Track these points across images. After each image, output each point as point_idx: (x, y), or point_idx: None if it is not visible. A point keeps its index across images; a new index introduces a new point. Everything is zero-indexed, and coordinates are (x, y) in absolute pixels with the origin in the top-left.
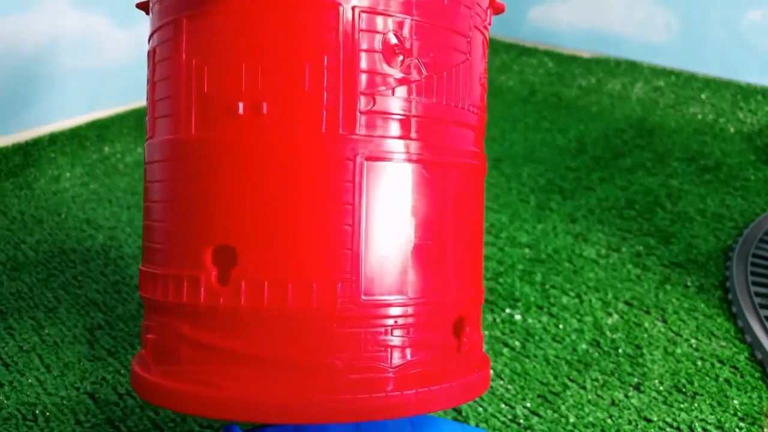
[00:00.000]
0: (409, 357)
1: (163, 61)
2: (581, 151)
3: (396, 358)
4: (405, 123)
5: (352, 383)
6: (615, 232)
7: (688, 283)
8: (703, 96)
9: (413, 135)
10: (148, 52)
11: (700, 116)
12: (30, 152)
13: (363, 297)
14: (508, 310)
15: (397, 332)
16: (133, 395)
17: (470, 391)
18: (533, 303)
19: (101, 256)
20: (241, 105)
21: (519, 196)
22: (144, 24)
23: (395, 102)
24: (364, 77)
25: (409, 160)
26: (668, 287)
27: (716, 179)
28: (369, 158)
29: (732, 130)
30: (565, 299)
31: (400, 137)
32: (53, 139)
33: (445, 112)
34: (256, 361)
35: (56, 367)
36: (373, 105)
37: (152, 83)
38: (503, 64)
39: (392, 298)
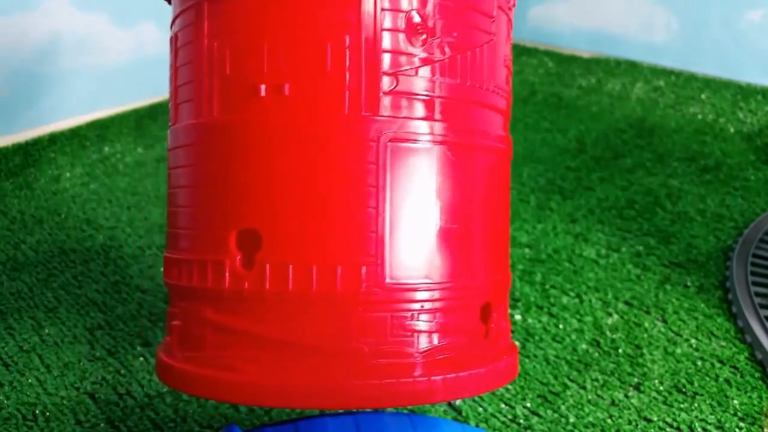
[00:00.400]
0: (436, 342)
1: (186, 45)
2: (581, 151)
3: (423, 344)
4: (429, 104)
5: (378, 368)
6: (615, 232)
7: (688, 283)
8: (703, 96)
9: (437, 116)
10: (171, 37)
11: (700, 116)
12: (30, 152)
13: (388, 280)
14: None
15: (423, 317)
16: (134, 395)
17: (498, 377)
18: (533, 303)
19: (101, 256)
20: (263, 87)
21: (519, 196)
22: (144, 24)
23: (419, 82)
24: (386, 57)
25: (434, 142)
26: (668, 287)
27: (716, 179)
28: (393, 140)
29: (732, 130)
30: (565, 299)
31: (424, 118)
32: (53, 139)
33: (469, 93)
34: (280, 346)
35: (56, 367)
36: (396, 85)
37: (174, 69)
38: None
39: (418, 282)
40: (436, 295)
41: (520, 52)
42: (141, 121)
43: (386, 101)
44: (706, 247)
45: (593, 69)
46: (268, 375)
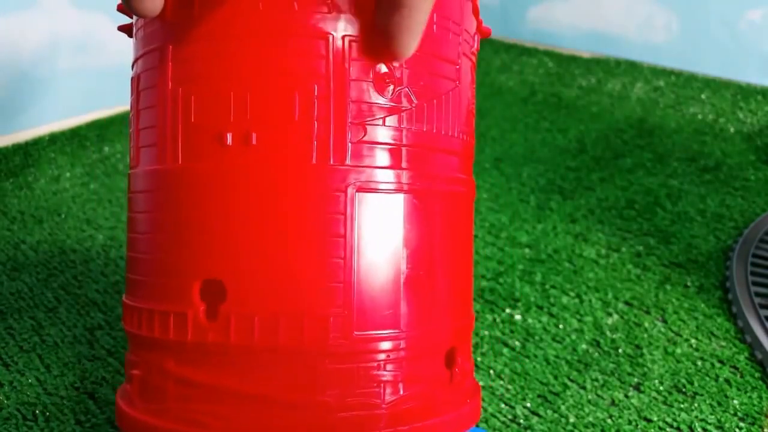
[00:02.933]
0: (401, 392)
1: (148, 89)
2: (581, 151)
3: (389, 394)
4: (396, 152)
5: (344, 421)
6: (615, 232)
7: (688, 283)
8: (703, 96)
9: (404, 164)
10: (132, 78)
11: (700, 116)
12: (30, 152)
13: (355, 332)
14: (508, 310)
15: (389, 366)
16: None
17: (463, 422)
18: (533, 303)
19: (101, 256)
20: (229, 135)
21: (519, 196)
22: None
23: (386, 131)
24: (354, 107)
25: (400, 190)
26: (668, 287)
27: (716, 179)
28: (360, 189)
29: (732, 130)
30: (565, 299)
31: (390, 167)
32: (53, 139)
33: (435, 140)
34: (245, 399)
35: (56, 367)
36: (364, 135)
37: (136, 111)
38: (503, 64)
39: (385, 332)
40: (402, 344)
41: (520, 52)
42: None
43: (354, 151)
44: (706, 247)
45: (593, 69)
46: (232, 429)
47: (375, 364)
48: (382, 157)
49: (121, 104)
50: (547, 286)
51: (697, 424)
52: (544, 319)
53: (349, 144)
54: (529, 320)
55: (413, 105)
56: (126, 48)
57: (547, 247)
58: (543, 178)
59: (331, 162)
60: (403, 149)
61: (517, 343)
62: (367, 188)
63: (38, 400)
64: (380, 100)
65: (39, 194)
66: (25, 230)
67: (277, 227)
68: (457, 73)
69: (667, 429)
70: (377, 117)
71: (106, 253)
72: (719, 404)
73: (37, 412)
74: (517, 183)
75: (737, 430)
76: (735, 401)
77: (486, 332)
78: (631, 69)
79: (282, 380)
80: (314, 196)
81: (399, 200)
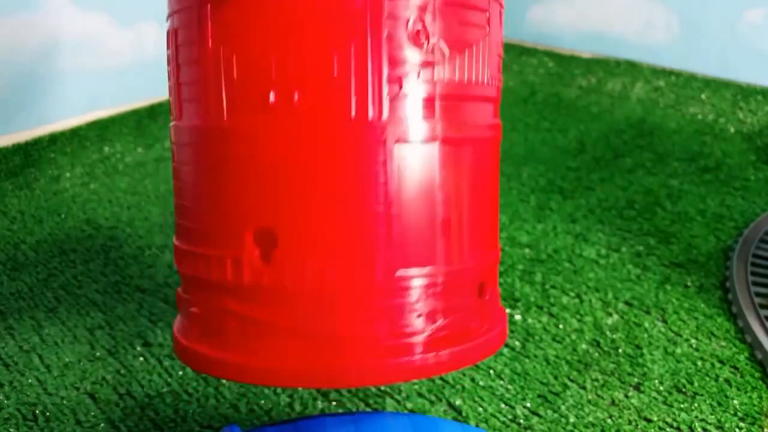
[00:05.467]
0: (440, 322)
1: (189, 44)
2: (581, 151)
3: (429, 324)
4: (430, 105)
5: (391, 349)
6: (615, 232)
7: (688, 283)
8: (703, 96)
9: (438, 115)
10: (169, 31)
11: (700, 116)
12: (30, 152)
13: (398, 271)
14: (508, 310)
15: (429, 300)
16: (134, 395)
17: (492, 345)
18: (533, 303)
19: (101, 256)
20: (272, 94)
21: (519, 196)
22: (144, 24)
23: (421, 85)
24: (390, 62)
25: (435, 140)
26: (668, 287)
27: (716, 179)
28: (398, 141)
29: (732, 130)
30: (565, 299)
31: (426, 118)
32: (53, 139)
33: (468, 89)
34: (300, 333)
35: (56, 367)
36: (400, 89)
37: (176, 65)
38: (503, 64)
39: (424, 270)
40: (440, 279)
41: (520, 52)
42: (141, 121)
43: (391, 105)
44: (706, 247)
45: (593, 69)
46: (289, 359)
47: (416, 298)
48: (417, 109)
49: (121, 104)
50: (547, 286)
51: (697, 424)
52: (544, 319)
53: (387, 98)
54: (529, 320)
55: (446, 57)
56: (126, 48)
57: (547, 247)
58: (543, 178)
59: (370, 116)
60: (438, 101)
61: (517, 343)
62: (404, 140)
63: (38, 400)
64: (415, 55)
65: (39, 194)
66: (25, 230)
67: (323, 179)
68: (487, 20)
69: (667, 429)
70: (412, 71)
71: (106, 253)
72: (719, 404)
73: (37, 412)
74: (517, 183)
75: (737, 430)
76: (735, 401)
77: None
78: (631, 69)
79: (333, 316)
80: (355, 148)
81: (435, 149)
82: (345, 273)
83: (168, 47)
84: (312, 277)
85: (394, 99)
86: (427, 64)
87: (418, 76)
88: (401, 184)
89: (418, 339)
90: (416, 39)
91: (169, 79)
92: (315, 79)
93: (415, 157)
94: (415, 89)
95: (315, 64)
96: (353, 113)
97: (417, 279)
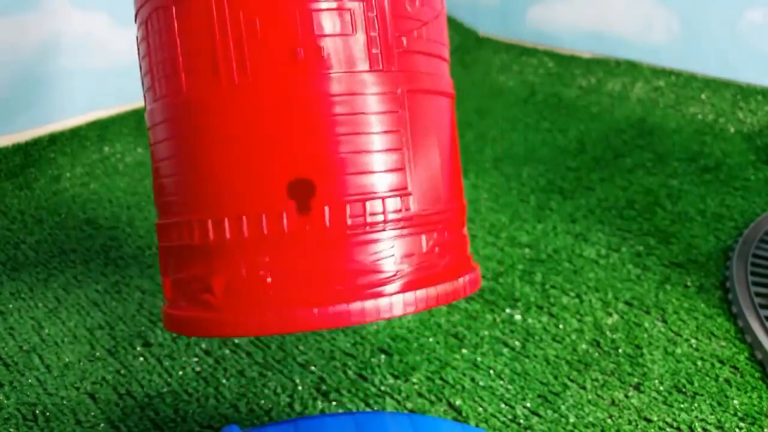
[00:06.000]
0: (448, 256)
1: (191, 15)
2: (581, 151)
3: (444, 256)
4: (427, 59)
5: (423, 278)
6: (615, 232)
7: (688, 283)
8: (703, 96)
9: (431, 69)
10: (158, 8)
11: (700, 116)
12: (30, 152)
13: (419, 208)
14: (508, 310)
15: (442, 235)
16: (134, 395)
17: (477, 282)
18: (533, 303)
19: (101, 256)
20: (301, 50)
21: (519, 196)
22: None
23: (418, 42)
24: (394, 21)
25: (432, 91)
26: (668, 287)
27: (716, 179)
28: (409, 91)
29: (732, 130)
30: (565, 299)
31: (424, 72)
32: (53, 139)
33: (439, 50)
34: (341, 273)
35: (56, 367)
36: (405, 45)
37: (172, 38)
38: (503, 64)
39: (436, 207)
40: (445, 216)
41: (520, 52)
42: (141, 121)
43: (401, 58)
44: (706, 247)
45: (593, 69)
46: (333, 297)
47: (434, 233)
48: (419, 63)
49: (121, 104)
50: (547, 286)
51: (697, 424)
52: (544, 319)
53: (397, 53)
54: (529, 320)
55: (430, 18)
56: (126, 48)
57: (547, 247)
58: (543, 178)
59: (386, 68)
60: (429, 57)
61: (517, 343)
62: (413, 90)
63: (38, 400)
64: (412, 14)
65: (39, 194)
66: (25, 230)
67: (351, 127)
68: None
69: (667, 429)
70: (411, 29)
71: (106, 253)
72: (719, 404)
73: (37, 412)
74: (517, 183)
75: (737, 430)
76: (735, 401)
77: (486, 332)
78: (631, 69)
79: (372, 252)
80: (376, 98)
81: (433, 99)
82: (379, 212)
83: (156, 23)
84: (352, 218)
85: (403, 53)
86: (422, 24)
87: (416, 33)
88: (414, 130)
89: (440, 270)
90: (412, 2)
91: (167, 56)
92: (339, 35)
93: (422, 106)
94: (416, 45)
95: (338, 23)
96: (372, 65)
97: (433, 216)
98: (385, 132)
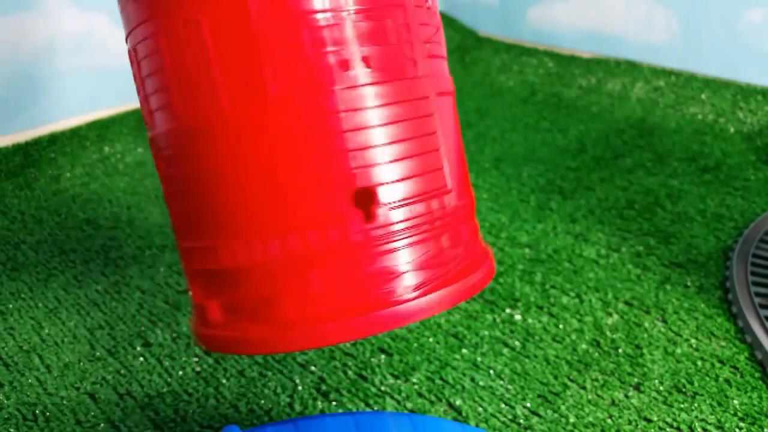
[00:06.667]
0: (474, 244)
1: (230, 27)
2: (581, 151)
3: (471, 244)
4: (440, 63)
5: (469, 266)
6: (615, 232)
7: (688, 283)
8: (703, 96)
9: (444, 72)
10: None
11: (700, 116)
12: (30, 152)
13: (456, 203)
14: (508, 310)
15: (470, 225)
16: (134, 395)
17: (491, 272)
18: (533, 303)
19: (101, 256)
20: (352, 62)
21: (519, 196)
22: None
23: (436, 47)
24: (417, 30)
25: (447, 92)
26: (668, 287)
27: (716, 179)
28: (438, 94)
29: (732, 130)
30: (565, 299)
31: (441, 75)
32: (53, 139)
33: (444, 52)
34: (396, 274)
35: (56, 367)
36: (428, 50)
37: (218, 56)
38: (503, 64)
39: (464, 200)
40: (470, 207)
41: (520, 52)
42: (141, 121)
43: (428, 64)
44: (706, 247)
45: (593, 69)
46: (395, 301)
47: (465, 224)
48: (440, 67)
49: (121, 104)
50: (547, 286)
51: (697, 424)
52: (544, 319)
53: (425, 59)
54: (529, 320)
55: (439, 23)
56: (126, 48)
57: (547, 247)
58: (543, 178)
59: (419, 74)
60: (444, 60)
61: (517, 343)
62: (439, 93)
63: (38, 400)
64: (429, 22)
65: (39, 194)
66: (25, 230)
67: (401, 133)
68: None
69: (667, 429)
70: (431, 35)
71: (106, 253)
72: (719, 404)
73: (37, 412)
74: (517, 183)
75: (737, 430)
76: (735, 401)
77: (486, 332)
78: (631, 69)
79: (431, 245)
80: (419, 101)
81: (450, 101)
82: (428, 209)
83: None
84: (411, 217)
85: (427, 59)
86: (437, 29)
87: (432, 39)
88: (443, 130)
89: (479, 259)
90: (427, 8)
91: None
92: (381, 44)
93: (445, 107)
94: (436, 50)
95: (379, 33)
96: (410, 72)
97: (465, 206)
98: (428, 134)
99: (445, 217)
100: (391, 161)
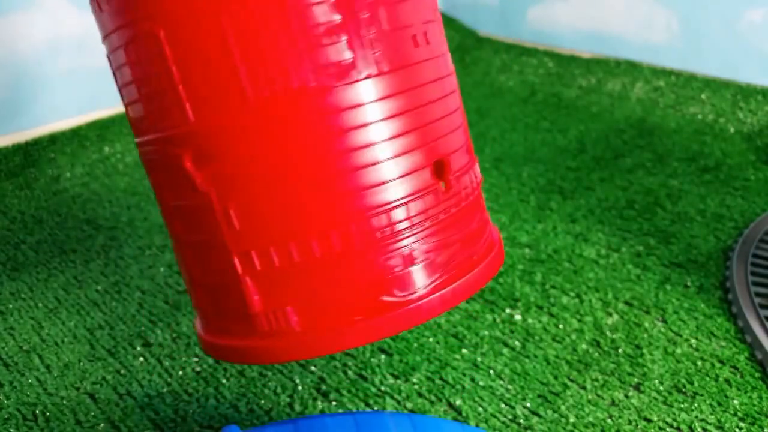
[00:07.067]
0: (487, 229)
1: (259, 17)
2: (581, 151)
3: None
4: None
5: (494, 240)
6: (615, 232)
7: (688, 283)
8: (703, 96)
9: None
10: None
11: (700, 116)
12: (30, 152)
13: (479, 177)
14: (508, 310)
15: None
16: (134, 395)
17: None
18: (533, 303)
19: (101, 256)
20: (420, 35)
21: (519, 196)
22: None
23: (440, 26)
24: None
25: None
26: (668, 287)
27: (716, 179)
28: (451, 74)
29: (732, 130)
30: (565, 299)
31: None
32: (53, 139)
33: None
34: (463, 237)
35: (56, 367)
36: (431, 26)
37: (254, 37)
38: (503, 64)
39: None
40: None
41: (520, 52)
42: None
43: (443, 43)
44: (706, 247)
45: (593, 69)
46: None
47: (482, 207)
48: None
49: (122, 104)
50: (547, 286)
51: (697, 424)
52: (544, 319)
53: (441, 38)
54: (529, 320)
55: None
56: None
57: (547, 247)
58: (543, 178)
59: (443, 53)
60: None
61: (517, 343)
62: (450, 73)
63: (38, 400)
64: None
65: (39, 194)
66: (25, 230)
67: (450, 104)
68: None
69: (667, 429)
70: (435, 17)
71: (106, 253)
72: (719, 404)
73: (37, 412)
74: (517, 183)
75: (737, 430)
76: (735, 401)
77: (486, 332)
78: (631, 69)
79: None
80: (450, 78)
81: (455, 78)
82: (476, 177)
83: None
84: (468, 186)
85: (438, 39)
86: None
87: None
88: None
89: (490, 234)
90: None
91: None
92: (433, 30)
93: (455, 85)
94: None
95: (406, 41)
96: (444, 70)
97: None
98: (458, 109)
99: (478, 186)
100: (453, 134)
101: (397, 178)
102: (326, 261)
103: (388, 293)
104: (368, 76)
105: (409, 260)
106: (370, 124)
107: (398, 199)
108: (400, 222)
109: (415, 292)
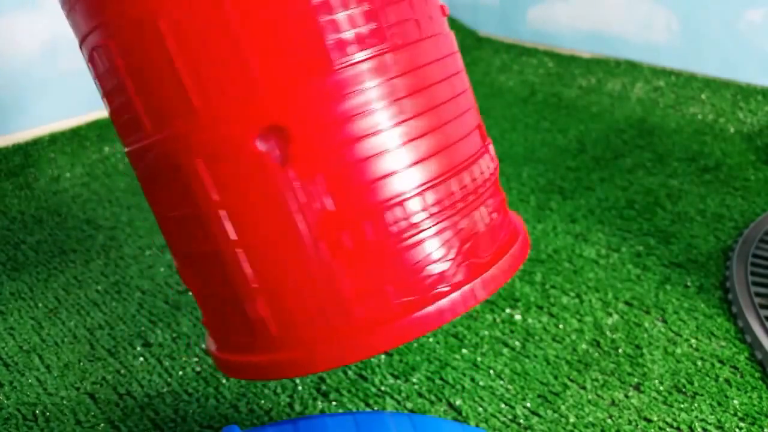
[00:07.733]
0: (506, 216)
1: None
2: (581, 151)
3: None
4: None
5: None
6: (615, 232)
7: (688, 283)
8: (703, 96)
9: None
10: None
11: (700, 116)
12: (30, 152)
13: (496, 162)
14: (508, 310)
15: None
16: (134, 395)
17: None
18: (533, 303)
19: (101, 256)
20: (437, 12)
21: (519, 196)
22: None
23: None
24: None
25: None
26: (668, 287)
27: (716, 179)
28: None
29: (732, 130)
30: (565, 299)
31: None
32: (53, 139)
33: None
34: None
35: (56, 367)
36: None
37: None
38: (503, 64)
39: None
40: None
41: (520, 52)
42: None
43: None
44: (706, 247)
45: (593, 69)
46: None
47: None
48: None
49: None
50: (547, 286)
51: (697, 424)
52: (544, 319)
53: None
54: (529, 320)
55: None
56: None
57: (547, 247)
58: (543, 178)
59: (447, 32)
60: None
61: (517, 343)
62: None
63: (38, 400)
64: None
65: (39, 194)
66: (25, 230)
67: (459, 86)
68: None
69: (667, 429)
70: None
71: (106, 253)
72: (719, 404)
73: (37, 412)
74: (517, 183)
75: (737, 430)
76: (735, 401)
77: (486, 332)
78: (631, 69)
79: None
80: (456, 56)
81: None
82: (493, 160)
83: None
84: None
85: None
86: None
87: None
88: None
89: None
90: None
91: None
92: (435, 20)
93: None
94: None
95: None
96: (456, 67)
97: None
98: (467, 90)
99: (496, 171)
100: (468, 108)
101: (409, 167)
102: (355, 258)
103: (418, 289)
104: (386, 51)
105: (432, 252)
106: (376, 111)
107: (413, 189)
108: (416, 213)
109: (447, 285)
